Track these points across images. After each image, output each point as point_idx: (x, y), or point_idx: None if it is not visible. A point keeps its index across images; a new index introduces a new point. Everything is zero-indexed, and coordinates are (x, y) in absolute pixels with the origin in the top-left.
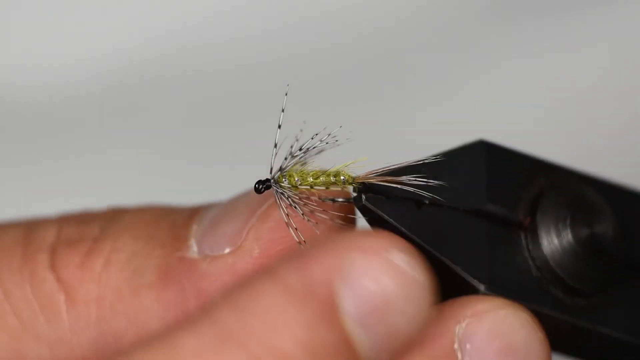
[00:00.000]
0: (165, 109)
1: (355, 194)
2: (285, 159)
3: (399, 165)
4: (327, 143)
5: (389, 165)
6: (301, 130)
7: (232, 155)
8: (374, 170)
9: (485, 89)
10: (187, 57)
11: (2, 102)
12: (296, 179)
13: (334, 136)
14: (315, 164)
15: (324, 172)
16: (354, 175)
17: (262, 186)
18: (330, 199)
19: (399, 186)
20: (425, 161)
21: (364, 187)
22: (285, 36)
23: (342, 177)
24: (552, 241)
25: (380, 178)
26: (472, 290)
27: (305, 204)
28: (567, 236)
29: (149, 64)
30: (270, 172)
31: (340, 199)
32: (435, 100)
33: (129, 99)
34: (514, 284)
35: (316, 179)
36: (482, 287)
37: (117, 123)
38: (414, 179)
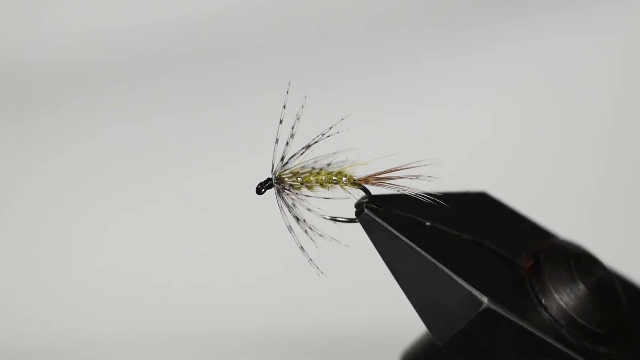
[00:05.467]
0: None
1: (356, 209)
2: (285, 157)
3: (401, 191)
4: (328, 136)
5: (388, 169)
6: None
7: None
8: (375, 173)
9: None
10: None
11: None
12: (298, 178)
13: (337, 132)
14: (317, 162)
15: (326, 173)
16: (355, 177)
17: (264, 186)
18: (332, 218)
19: (399, 190)
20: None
21: (367, 200)
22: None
23: (343, 178)
24: (564, 293)
25: (381, 179)
26: (472, 306)
27: (306, 204)
28: (579, 286)
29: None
30: (272, 171)
31: (342, 219)
32: (437, 92)
33: (119, 89)
34: (516, 306)
35: (317, 178)
36: (485, 300)
37: (108, 112)
38: (415, 193)
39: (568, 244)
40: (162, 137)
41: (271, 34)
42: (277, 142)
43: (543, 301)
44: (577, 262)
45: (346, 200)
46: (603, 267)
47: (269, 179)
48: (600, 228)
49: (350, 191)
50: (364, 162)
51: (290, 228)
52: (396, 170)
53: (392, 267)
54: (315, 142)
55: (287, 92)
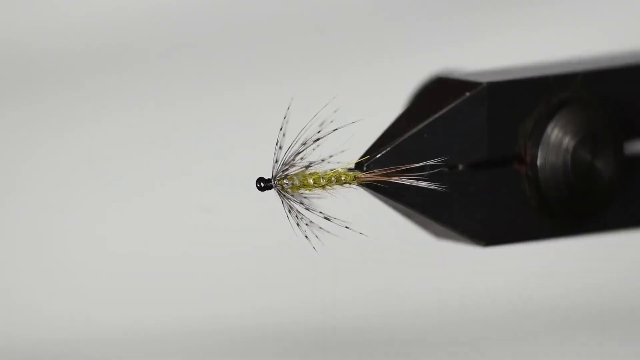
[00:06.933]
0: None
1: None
2: (287, 160)
3: (401, 167)
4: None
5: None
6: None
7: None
8: (375, 171)
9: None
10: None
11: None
12: (297, 182)
13: (336, 130)
14: (316, 160)
15: (325, 175)
16: (355, 175)
17: (264, 185)
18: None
19: (400, 182)
20: (429, 163)
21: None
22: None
23: (342, 178)
24: (549, 158)
25: (382, 178)
26: (472, 244)
27: (307, 205)
28: (567, 158)
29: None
30: (272, 172)
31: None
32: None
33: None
34: (512, 229)
35: (317, 181)
36: (482, 244)
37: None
38: (416, 180)
39: (594, 115)
40: (164, 127)
41: (271, 26)
42: (280, 147)
43: (528, 172)
44: (586, 135)
45: (346, 196)
46: (610, 160)
47: (269, 180)
48: None
49: (351, 187)
50: (362, 159)
51: (289, 213)
52: (398, 169)
53: (397, 212)
54: (312, 145)
55: (288, 108)
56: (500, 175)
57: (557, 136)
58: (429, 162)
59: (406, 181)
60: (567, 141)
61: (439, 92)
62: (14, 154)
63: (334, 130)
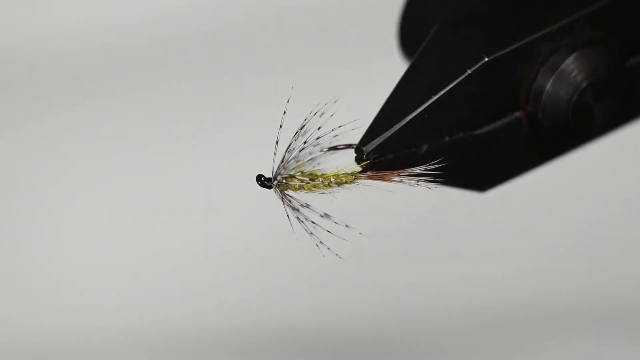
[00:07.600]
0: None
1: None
2: (285, 159)
3: (401, 172)
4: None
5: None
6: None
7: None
8: (375, 172)
9: None
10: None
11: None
12: (297, 183)
13: (336, 132)
14: (316, 161)
15: (324, 176)
16: (353, 176)
17: (264, 183)
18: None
19: (398, 179)
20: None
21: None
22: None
23: (342, 179)
24: (556, 90)
25: (382, 180)
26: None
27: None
28: (574, 95)
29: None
30: (273, 172)
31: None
32: None
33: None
34: (508, 171)
35: (316, 182)
36: (481, 191)
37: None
38: (416, 182)
39: (605, 60)
40: (164, 126)
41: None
42: (283, 145)
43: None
44: (597, 80)
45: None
46: (610, 104)
47: (269, 179)
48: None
49: (351, 188)
50: (363, 163)
51: (289, 214)
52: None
53: None
54: (312, 145)
55: (288, 102)
56: (498, 127)
57: (572, 73)
58: (430, 166)
59: (406, 182)
60: (580, 79)
61: (439, 58)
62: (21, 155)
63: (334, 134)
